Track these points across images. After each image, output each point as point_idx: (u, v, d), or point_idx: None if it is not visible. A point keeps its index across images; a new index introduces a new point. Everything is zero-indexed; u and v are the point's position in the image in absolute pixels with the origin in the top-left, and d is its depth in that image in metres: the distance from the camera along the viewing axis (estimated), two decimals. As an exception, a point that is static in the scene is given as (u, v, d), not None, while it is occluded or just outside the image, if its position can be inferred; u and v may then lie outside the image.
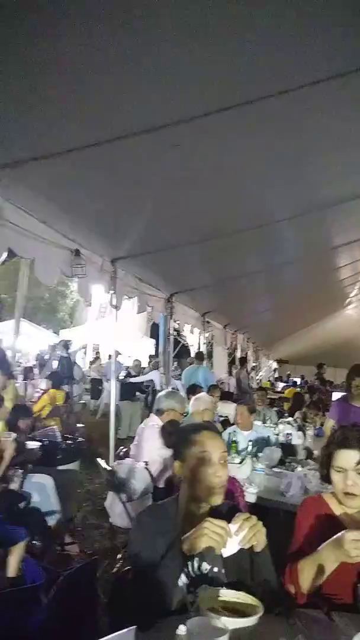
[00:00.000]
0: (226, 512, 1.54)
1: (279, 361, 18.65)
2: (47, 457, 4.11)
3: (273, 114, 2.56)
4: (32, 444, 4.11)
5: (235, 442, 4.20)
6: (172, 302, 6.72)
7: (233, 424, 4.68)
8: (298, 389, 11.11)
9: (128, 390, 9.27)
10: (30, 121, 2.39)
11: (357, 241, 5.84)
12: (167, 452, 3.48)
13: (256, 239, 4.91)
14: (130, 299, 5.45)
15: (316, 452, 4.30)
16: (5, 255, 3.15)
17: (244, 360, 11.42)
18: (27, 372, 10.05)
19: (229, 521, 1.41)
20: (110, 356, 9.53)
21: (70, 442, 4.65)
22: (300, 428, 4.99)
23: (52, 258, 3.63)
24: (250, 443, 4.03)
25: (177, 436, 1.68)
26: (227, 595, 1.40)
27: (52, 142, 2.59)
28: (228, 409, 6.53)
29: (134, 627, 1.21)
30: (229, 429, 4.47)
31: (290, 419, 5.63)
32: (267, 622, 1.31)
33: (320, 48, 2.09)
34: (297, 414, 6.14)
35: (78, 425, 7.33)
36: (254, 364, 14.36)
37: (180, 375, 9.44)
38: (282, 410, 7.43)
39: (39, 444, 4.18)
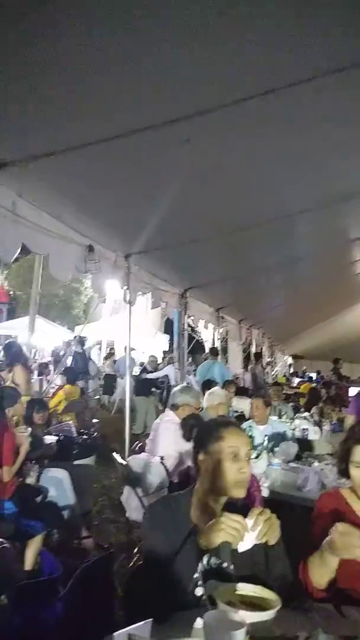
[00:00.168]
0: (241, 507, 1.54)
1: (295, 356, 18.49)
2: (63, 452, 4.15)
3: (290, 105, 2.52)
4: (49, 439, 4.15)
5: (251, 437, 4.18)
6: (186, 297, 6.70)
7: (249, 419, 4.66)
8: (314, 385, 11.02)
9: (144, 386, 9.30)
10: (42, 117, 2.38)
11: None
12: (183, 447, 3.47)
13: (271, 233, 4.86)
14: (144, 294, 5.45)
15: (332, 448, 4.26)
16: (18, 251, 3.17)
17: (259, 356, 11.36)
18: (43, 368, 10.16)
19: (243, 516, 1.40)
20: (125, 350, 9.56)
21: (85, 437, 4.69)
22: (317, 423, 4.95)
23: (66, 254, 3.64)
24: (267, 438, 4.01)
25: (203, 430, 1.70)
26: (244, 589, 1.40)
27: (64, 137, 2.58)
28: (243, 405, 6.50)
29: (150, 619, 1.21)
30: (245, 424, 4.45)
31: (306, 414, 5.59)
32: (285, 616, 1.30)
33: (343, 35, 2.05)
34: (313, 409, 6.09)
35: (93, 420, 7.38)
36: (269, 360, 14.28)
37: (194, 371, 9.43)
38: (298, 405, 7.37)
39: (56, 438, 4.22)
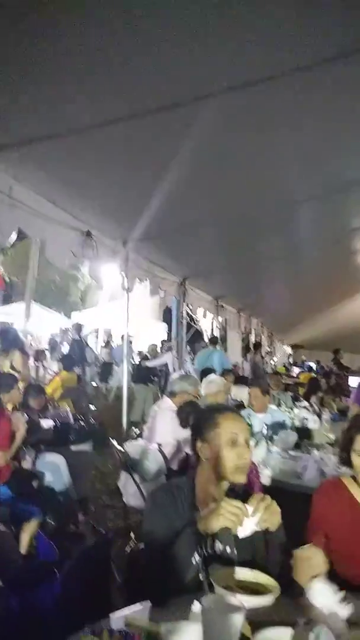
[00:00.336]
0: (242, 494, 1.54)
1: (294, 346, 18.49)
2: (60, 437, 4.14)
3: (292, 92, 2.49)
4: (45, 424, 4.14)
5: (249, 425, 4.17)
6: (185, 285, 6.66)
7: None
8: (313, 374, 11.03)
9: (143, 374, 9.28)
10: (39, 100, 2.35)
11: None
12: (181, 434, 3.47)
13: (272, 221, 4.81)
14: (142, 282, 5.41)
15: (332, 437, 4.27)
16: (15, 235, 3.13)
17: (258, 345, 11.35)
18: (39, 355, 10.10)
19: (244, 503, 1.40)
20: (122, 338, 9.54)
21: (82, 423, 4.68)
22: (317, 413, 4.96)
23: (63, 239, 3.60)
24: (266, 426, 4.00)
25: (200, 417, 1.70)
26: (243, 574, 1.39)
27: (61, 121, 2.53)
28: (242, 393, 6.48)
29: (148, 602, 1.20)
30: (244, 412, 4.44)
31: (305, 403, 5.59)
32: (283, 602, 1.29)
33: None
34: (313, 399, 6.09)
35: (90, 407, 7.38)
36: (268, 349, 14.29)
37: (193, 360, 9.42)
38: (297, 395, 7.38)
39: (52, 423, 4.21)
